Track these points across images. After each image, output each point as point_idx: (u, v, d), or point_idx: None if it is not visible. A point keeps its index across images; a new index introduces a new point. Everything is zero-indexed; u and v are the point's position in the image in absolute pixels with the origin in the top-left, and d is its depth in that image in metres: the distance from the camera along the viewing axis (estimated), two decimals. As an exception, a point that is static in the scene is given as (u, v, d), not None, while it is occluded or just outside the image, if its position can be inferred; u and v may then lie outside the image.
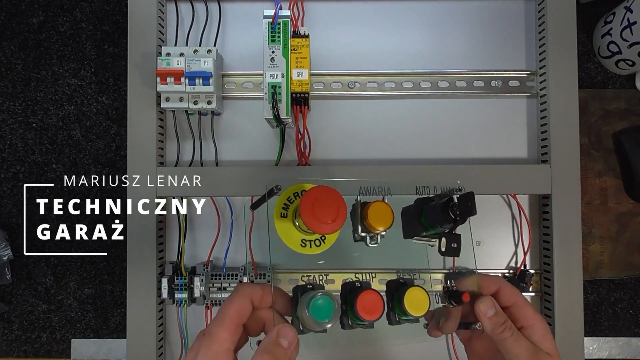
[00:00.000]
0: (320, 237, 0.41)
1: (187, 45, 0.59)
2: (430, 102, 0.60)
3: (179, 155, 0.59)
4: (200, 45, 0.59)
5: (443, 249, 0.39)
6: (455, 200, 0.39)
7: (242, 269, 0.57)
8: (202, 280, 0.56)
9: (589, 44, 0.65)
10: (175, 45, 0.59)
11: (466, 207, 0.38)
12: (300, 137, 0.56)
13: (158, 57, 0.54)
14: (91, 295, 0.65)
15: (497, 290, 0.39)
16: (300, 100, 0.55)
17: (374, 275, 0.42)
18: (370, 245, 0.41)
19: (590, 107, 0.63)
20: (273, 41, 0.52)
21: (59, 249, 0.65)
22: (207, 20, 0.59)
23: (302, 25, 0.58)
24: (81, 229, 0.65)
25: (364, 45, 0.60)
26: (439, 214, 0.39)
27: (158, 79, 0.53)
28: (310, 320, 0.34)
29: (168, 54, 0.55)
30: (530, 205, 0.60)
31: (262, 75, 0.53)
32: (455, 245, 0.39)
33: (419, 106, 0.60)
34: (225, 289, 0.57)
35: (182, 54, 0.55)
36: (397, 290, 0.39)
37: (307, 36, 0.54)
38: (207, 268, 0.57)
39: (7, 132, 0.65)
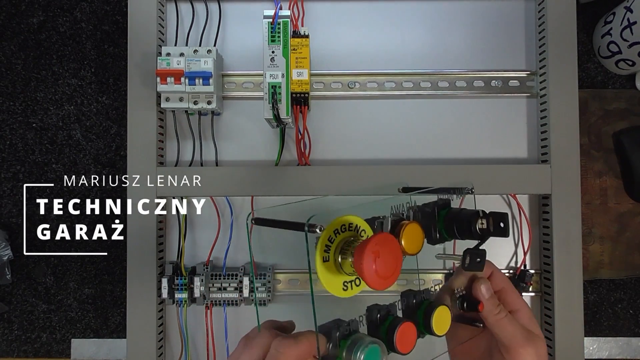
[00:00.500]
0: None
1: (187, 45, 0.59)
2: (430, 102, 0.60)
3: (179, 155, 0.59)
4: (200, 45, 0.59)
5: (466, 265, 0.38)
6: (481, 214, 0.38)
7: (242, 269, 0.57)
8: (202, 280, 0.56)
9: (589, 44, 0.65)
10: (175, 45, 0.59)
11: (498, 227, 0.37)
12: (300, 137, 0.56)
13: (158, 57, 0.54)
14: (91, 295, 0.65)
15: (490, 275, 0.40)
16: (300, 100, 0.55)
17: (404, 300, 0.39)
18: None
19: (590, 107, 0.63)
20: (273, 41, 0.52)
21: (59, 249, 0.65)
22: (207, 20, 0.59)
23: (302, 25, 0.58)
24: (81, 229, 0.65)
25: (364, 45, 0.60)
26: (464, 227, 0.38)
27: (158, 79, 0.53)
28: None
29: (168, 54, 0.55)
30: (530, 205, 0.60)
31: (262, 75, 0.53)
32: (479, 260, 0.38)
33: (419, 106, 0.60)
34: (225, 288, 0.57)
35: (182, 54, 0.55)
36: (419, 307, 0.37)
37: (307, 36, 0.54)
38: (207, 268, 0.57)
39: (7, 132, 0.65)
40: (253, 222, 0.37)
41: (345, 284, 0.35)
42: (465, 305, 0.39)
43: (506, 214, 0.37)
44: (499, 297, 0.39)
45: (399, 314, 0.37)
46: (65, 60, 0.65)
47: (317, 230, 0.32)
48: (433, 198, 0.41)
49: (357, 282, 0.35)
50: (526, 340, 0.37)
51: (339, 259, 0.34)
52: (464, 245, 0.39)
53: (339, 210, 0.35)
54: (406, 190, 0.43)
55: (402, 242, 0.36)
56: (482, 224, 0.37)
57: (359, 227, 0.35)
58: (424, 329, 0.37)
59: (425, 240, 0.39)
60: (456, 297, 0.39)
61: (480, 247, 0.38)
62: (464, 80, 0.59)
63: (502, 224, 0.37)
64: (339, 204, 0.38)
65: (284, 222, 0.35)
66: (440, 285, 0.41)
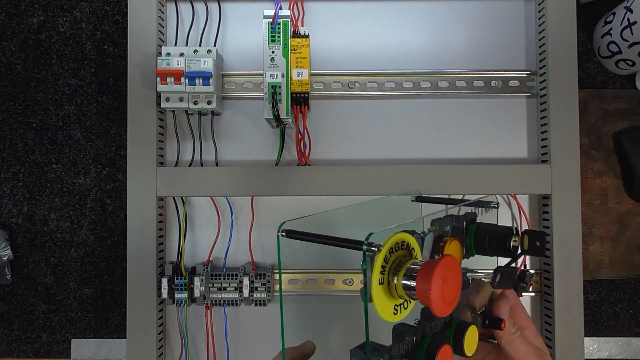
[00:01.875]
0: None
1: (187, 45, 0.59)
2: (430, 102, 0.60)
3: (179, 155, 0.59)
4: (200, 45, 0.59)
5: (497, 283, 0.36)
6: (514, 232, 0.36)
7: (242, 269, 0.57)
8: (202, 280, 0.56)
9: (589, 44, 0.65)
10: (175, 45, 0.59)
11: (534, 246, 0.36)
12: (300, 137, 0.56)
13: (158, 57, 0.54)
14: (91, 295, 0.65)
15: (502, 293, 0.39)
16: (300, 100, 0.55)
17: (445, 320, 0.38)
18: None
19: (590, 107, 0.63)
20: (273, 41, 0.52)
21: (59, 249, 0.65)
22: (207, 20, 0.59)
23: (302, 25, 0.58)
24: (81, 228, 0.65)
25: (364, 45, 0.60)
26: (497, 243, 0.37)
27: (158, 79, 0.53)
28: None
29: (168, 54, 0.55)
30: (530, 205, 0.60)
31: (262, 75, 0.53)
32: (509, 279, 0.37)
33: (419, 106, 0.60)
34: (225, 289, 0.57)
35: (182, 54, 0.55)
36: (448, 326, 0.36)
37: (307, 36, 0.54)
38: (207, 268, 0.57)
39: (7, 132, 0.65)
40: (284, 234, 0.36)
41: (396, 307, 0.32)
42: (486, 322, 0.38)
43: (544, 233, 0.36)
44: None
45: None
46: (65, 60, 0.65)
47: (370, 248, 0.30)
48: (436, 207, 0.40)
49: (405, 304, 0.33)
50: (537, 358, 0.37)
51: (395, 281, 0.31)
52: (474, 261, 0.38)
53: (388, 228, 0.32)
54: (420, 200, 0.42)
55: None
56: (515, 241, 0.36)
57: (410, 245, 0.33)
58: (454, 349, 0.35)
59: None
60: (477, 314, 0.38)
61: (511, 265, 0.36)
62: (464, 80, 0.59)
63: (538, 243, 0.36)
64: (365, 217, 0.39)
65: (328, 237, 0.34)
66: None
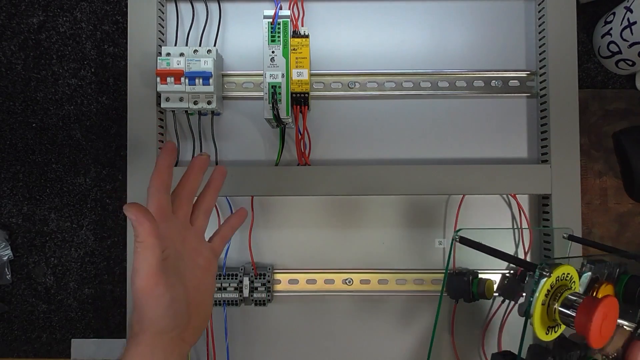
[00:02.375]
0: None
1: (187, 45, 0.59)
2: (430, 102, 0.60)
3: (179, 155, 0.59)
4: (200, 45, 0.59)
5: (638, 333, 0.39)
6: None
7: (242, 269, 0.57)
8: (202, 280, 0.56)
9: (589, 44, 0.65)
10: (175, 45, 0.59)
11: None
12: (300, 137, 0.56)
13: (158, 57, 0.54)
14: (91, 295, 0.65)
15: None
16: (300, 100, 0.55)
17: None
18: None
19: (590, 107, 0.63)
20: (273, 41, 0.52)
21: (59, 249, 0.65)
22: (207, 20, 0.59)
23: (302, 25, 0.58)
24: (81, 228, 0.65)
25: (364, 45, 0.60)
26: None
27: (158, 79, 0.53)
28: None
29: (168, 54, 0.55)
30: (530, 205, 0.60)
31: (262, 75, 0.53)
32: None
33: (419, 106, 0.60)
34: (225, 288, 0.57)
35: (182, 54, 0.55)
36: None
37: (307, 36, 0.54)
38: (207, 268, 0.57)
39: (7, 132, 0.65)
40: (457, 239, 0.42)
41: (549, 328, 0.37)
42: None
43: None
44: None
45: None
46: (65, 60, 0.65)
47: (547, 274, 0.35)
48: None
49: (557, 329, 0.38)
50: None
51: (555, 305, 0.36)
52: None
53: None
54: (572, 239, 0.46)
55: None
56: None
57: (573, 277, 0.37)
58: None
59: None
60: (610, 358, 0.40)
61: None
62: (464, 80, 0.59)
63: None
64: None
65: (502, 253, 0.39)
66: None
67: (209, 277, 0.42)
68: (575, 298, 0.35)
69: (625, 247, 0.63)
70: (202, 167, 0.43)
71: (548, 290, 0.36)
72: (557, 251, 0.55)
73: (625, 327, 0.39)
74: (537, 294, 0.35)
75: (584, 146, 0.62)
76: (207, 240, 0.43)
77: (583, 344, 0.39)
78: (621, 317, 0.38)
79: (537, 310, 0.35)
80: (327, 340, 0.60)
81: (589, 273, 0.39)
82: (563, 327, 0.37)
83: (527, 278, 0.36)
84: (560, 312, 0.36)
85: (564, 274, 0.36)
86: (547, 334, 0.37)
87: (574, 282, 0.37)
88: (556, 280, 0.36)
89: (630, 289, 0.41)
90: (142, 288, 0.35)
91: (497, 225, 0.60)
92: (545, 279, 0.35)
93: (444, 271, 0.58)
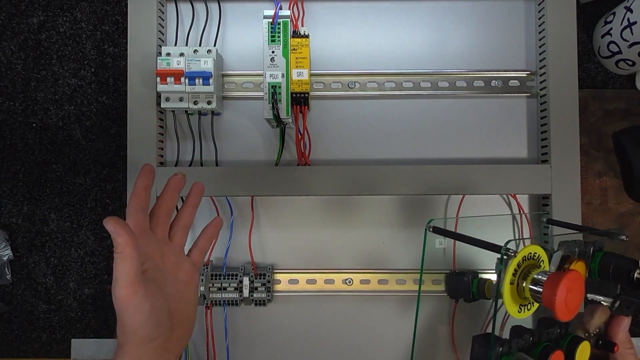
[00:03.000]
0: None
1: (187, 45, 0.59)
2: (430, 102, 0.60)
3: (179, 155, 0.59)
4: (200, 45, 0.59)
5: (615, 309, 0.39)
6: (639, 265, 0.40)
7: (242, 269, 0.57)
8: (202, 281, 0.56)
9: (589, 44, 0.65)
10: (175, 45, 0.59)
11: None
12: (300, 137, 0.56)
13: (158, 57, 0.54)
14: (91, 295, 0.65)
15: (620, 317, 0.41)
16: (300, 100, 0.55)
17: (561, 332, 0.42)
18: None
19: (590, 107, 0.63)
20: (273, 41, 0.52)
21: (59, 249, 0.65)
22: (207, 20, 0.59)
23: (302, 25, 0.58)
24: (81, 228, 0.65)
25: (364, 45, 0.60)
26: (621, 273, 0.41)
27: (158, 79, 0.53)
28: None
29: (168, 54, 0.55)
30: (530, 205, 0.60)
31: (262, 75, 0.53)
32: (629, 308, 0.39)
33: (419, 106, 0.60)
34: (225, 289, 0.57)
35: (182, 54, 0.55)
36: (563, 338, 0.40)
37: (307, 36, 0.54)
38: (207, 268, 0.57)
39: (7, 132, 0.65)
40: (431, 229, 0.43)
41: (521, 306, 0.39)
42: (600, 343, 0.41)
43: None
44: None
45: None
46: (65, 60, 0.65)
47: (512, 254, 0.36)
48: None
49: (529, 306, 0.39)
50: None
51: (523, 284, 0.38)
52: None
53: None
54: (550, 222, 0.47)
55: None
56: (639, 274, 0.39)
57: (541, 257, 0.39)
58: (566, 358, 0.39)
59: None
60: (590, 336, 0.41)
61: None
62: (464, 80, 0.59)
63: None
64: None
65: (470, 238, 0.40)
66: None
67: (191, 289, 0.44)
68: (541, 276, 0.37)
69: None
70: (178, 187, 0.45)
71: (515, 270, 0.37)
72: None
73: (602, 302, 0.40)
74: (503, 274, 0.37)
75: (584, 146, 0.62)
76: (186, 254, 0.45)
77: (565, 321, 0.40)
78: (599, 294, 0.40)
79: (505, 289, 0.37)
80: (327, 340, 0.60)
81: (560, 252, 0.40)
82: (536, 305, 0.39)
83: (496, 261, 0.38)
84: (530, 289, 0.37)
85: (530, 253, 0.38)
86: (519, 311, 0.38)
87: (542, 261, 0.39)
88: (523, 260, 0.38)
89: (604, 265, 0.41)
90: (121, 297, 0.37)
91: (497, 225, 0.60)
92: (511, 259, 0.37)
93: (441, 271, 0.58)
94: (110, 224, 0.36)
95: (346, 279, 0.59)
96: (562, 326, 0.41)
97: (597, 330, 0.41)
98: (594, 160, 0.63)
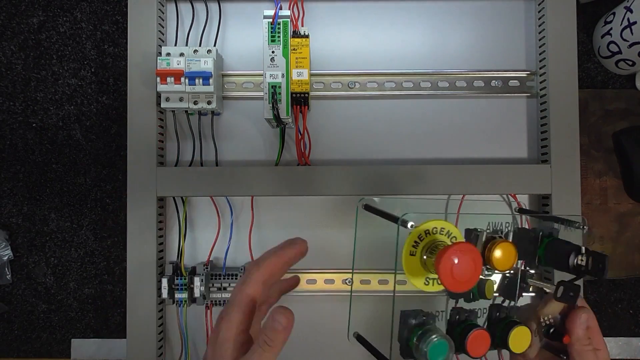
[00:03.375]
0: None
1: (187, 45, 0.59)
2: (430, 102, 0.60)
3: (179, 155, 0.59)
4: (200, 45, 0.59)
5: (558, 296, 0.39)
6: (583, 251, 0.40)
7: (242, 269, 0.57)
8: (202, 280, 0.56)
9: (589, 44, 0.65)
10: (175, 45, 0.59)
11: (597, 268, 0.39)
12: (300, 137, 0.56)
13: (158, 57, 0.54)
14: (91, 295, 0.65)
15: (580, 307, 0.41)
16: (300, 100, 0.55)
17: (484, 310, 0.42)
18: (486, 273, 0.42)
19: (590, 107, 0.63)
20: (273, 41, 0.52)
21: (59, 249, 0.65)
22: (207, 20, 0.59)
23: (302, 25, 0.58)
24: (81, 228, 0.65)
25: (364, 45, 0.60)
26: (562, 259, 0.41)
27: (158, 79, 0.53)
28: (425, 357, 0.36)
29: (168, 54, 0.55)
30: (530, 205, 0.60)
31: (262, 75, 0.53)
32: (572, 295, 0.39)
33: (419, 106, 0.60)
34: (225, 288, 0.57)
35: (182, 54, 0.55)
36: (502, 321, 0.40)
37: (307, 36, 0.54)
38: (207, 268, 0.57)
39: (7, 132, 0.65)
40: (364, 206, 0.44)
41: (428, 279, 0.39)
42: (550, 332, 0.40)
43: (606, 257, 0.39)
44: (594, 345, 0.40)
45: (480, 322, 0.40)
46: (65, 60, 0.65)
47: (409, 226, 0.37)
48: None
49: (439, 280, 0.38)
50: None
51: (424, 257, 0.38)
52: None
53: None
54: (522, 211, 0.48)
55: (492, 258, 0.39)
56: (581, 260, 0.40)
57: (451, 233, 0.39)
58: (500, 342, 0.39)
59: (525, 262, 0.43)
60: (542, 324, 0.40)
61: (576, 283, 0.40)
62: (464, 80, 0.59)
63: (600, 265, 0.39)
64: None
65: (385, 213, 0.41)
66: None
67: None
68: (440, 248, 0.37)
69: (625, 248, 0.63)
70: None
71: (417, 242, 0.38)
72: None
73: (546, 289, 0.40)
74: (402, 246, 0.38)
75: (584, 146, 0.62)
76: None
77: (510, 306, 0.41)
78: (545, 280, 0.41)
79: (404, 260, 0.38)
80: (327, 340, 0.60)
81: (484, 233, 0.40)
82: None
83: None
84: (426, 259, 0.38)
85: (435, 228, 0.38)
86: (426, 284, 0.39)
87: (454, 237, 0.39)
88: (426, 233, 0.38)
89: (548, 252, 0.42)
90: None
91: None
92: (411, 231, 0.37)
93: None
94: (285, 318, 0.34)
95: (346, 279, 0.59)
96: (503, 310, 0.41)
97: (550, 320, 0.40)
98: (594, 160, 0.63)
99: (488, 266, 0.40)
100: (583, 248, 0.40)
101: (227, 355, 0.34)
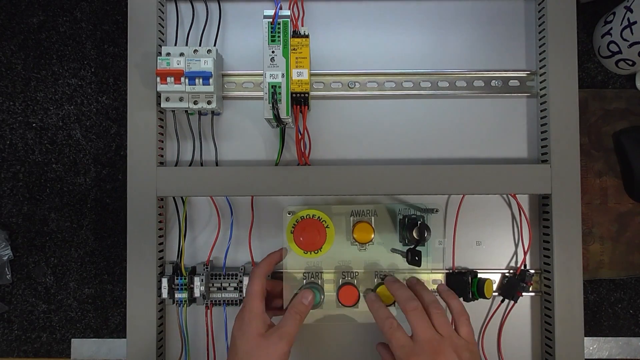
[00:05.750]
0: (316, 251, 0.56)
1: (187, 45, 0.59)
2: (430, 102, 0.60)
3: (179, 155, 0.59)
4: (200, 45, 0.59)
5: (408, 260, 0.55)
6: (418, 225, 0.54)
7: (242, 269, 0.57)
8: (202, 280, 0.56)
9: (589, 44, 0.65)
10: (175, 45, 0.59)
11: (421, 236, 0.53)
12: (300, 137, 0.56)
13: (158, 57, 0.54)
14: (91, 295, 0.65)
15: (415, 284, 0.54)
16: (300, 100, 0.55)
17: (356, 273, 0.57)
18: (360, 251, 0.57)
19: (590, 107, 0.63)
20: (273, 41, 0.52)
21: (59, 249, 0.65)
22: (207, 20, 0.59)
23: (302, 25, 0.58)
24: (81, 228, 0.65)
25: (364, 45, 0.60)
26: (408, 233, 0.54)
27: (158, 79, 0.53)
28: None
29: (168, 54, 0.55)
30: (530, 205, 0.60)
31: (262, 75, 0.53)
32: (417, 259, 0.54)
33: (419, 106, 0.60)
34: (225, 288, 0.57)
35: (182, 54, 0.55)
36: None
37: (307, 36, 0.54)
38: (207, 268, 0.57)
39: (7, 132, 0.65)
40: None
41: (306, 252, 0.56)
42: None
43: (424, 226, 0.54)
44: (445, 300, 0.52)
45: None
46: (65, 60, 0.65)
47: (287, 214, 0.56)
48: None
49: (317, 251, 0.56)
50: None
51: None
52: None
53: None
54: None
55: (354, 234, 0.56)
56: (416, 233, 0.53)
57: (322, 218, 0.56)
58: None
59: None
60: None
61: (417, 248, 0.55)
62: (464, 80, 0.59)
63: (416, 235, 0.54)
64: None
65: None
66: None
67: None
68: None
69: (625, 248, 0.63)
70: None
71: (294, 225, 0.55)
72: (557, 250, 0.55)
73: (401, 255, 0.56)
74: (284, 228, 0.56)
75: (584, 146, 0.62)
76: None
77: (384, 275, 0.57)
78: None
79: (288, 237, 0.56)
80: (327, 341, 0.60)
81: (351, 218, 0.57)
82: (326, 247, 0.56)
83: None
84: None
85: (309, 215, 0.56)
86: (305, 253, 0.56)
87: (324, 221, 0.56)
88: (302, 218, 0.55)
89: (406, 231, 0.55)
90: (283, 353, 0.47)
91: (496, 226, 0.60)
92: (290, 217, 0.56)
93: (443, 271, 0.58)
94: (310, 295, 0.52)
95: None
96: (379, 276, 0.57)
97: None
98: (594, 160, 0.63)
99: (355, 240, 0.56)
100: (419, 223, 0.54)
101: (259, 326, 0.47)
